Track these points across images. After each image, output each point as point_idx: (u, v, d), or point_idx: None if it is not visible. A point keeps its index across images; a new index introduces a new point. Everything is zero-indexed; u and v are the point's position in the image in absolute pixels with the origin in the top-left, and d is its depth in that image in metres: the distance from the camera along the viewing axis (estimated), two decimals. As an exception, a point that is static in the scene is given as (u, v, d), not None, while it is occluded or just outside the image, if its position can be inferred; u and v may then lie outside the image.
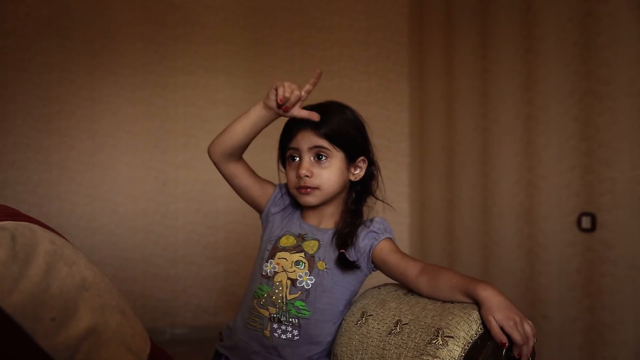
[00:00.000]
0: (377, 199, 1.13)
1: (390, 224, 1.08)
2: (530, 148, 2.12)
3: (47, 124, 2.91)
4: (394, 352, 0.90)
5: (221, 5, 3.08)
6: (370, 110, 3.20)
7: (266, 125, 1.06)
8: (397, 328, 0.93)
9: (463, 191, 2.64)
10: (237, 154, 1.08)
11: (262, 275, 1.06)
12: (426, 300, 0.95)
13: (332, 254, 1.04)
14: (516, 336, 0.79)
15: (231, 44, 3.08)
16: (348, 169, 1.07)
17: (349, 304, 1.09)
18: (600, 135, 1.76)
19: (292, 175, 1.06)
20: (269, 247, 1.09)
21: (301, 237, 1.08)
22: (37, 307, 0.58)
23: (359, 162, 1.08)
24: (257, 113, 1.03)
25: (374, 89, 3.24)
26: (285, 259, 1.05)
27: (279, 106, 0.99)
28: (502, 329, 0.80)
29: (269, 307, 1.03)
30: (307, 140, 1.02)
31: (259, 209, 1.16)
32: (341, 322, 1.07)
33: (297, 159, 1.05)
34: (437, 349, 0.83)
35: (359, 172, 1.09)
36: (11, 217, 0.66)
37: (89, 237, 2.93)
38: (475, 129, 2.52)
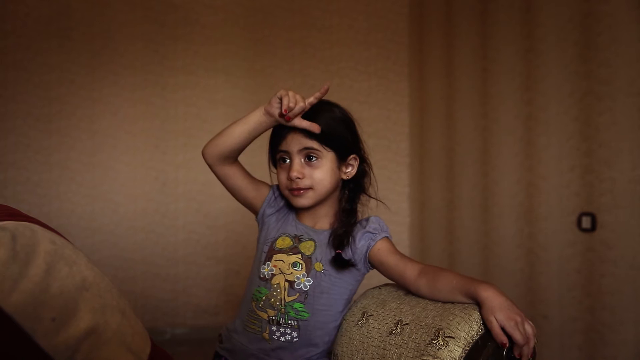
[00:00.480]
0: (370, 196, 1.13)
1: (389, 224, 1.08)
2: (531, 148, 2.12)
3: (47, 124, 2.91)
4: (394, 352, 0.90)
5: (221, 5, 3.08)
6: (370, 110, 3.20)
7: (264, 131, 1.06)
8: (398, 328, 0.93)
9: (463, 191, 2.64)
10: (233, 157, 1.08)
11: (260, 277, 1.06)
12: (427, 300, 0.95)
13: (328, 255, 1.04)
14: (517, 336, 0.79)
15: (231, 44, 3.08)
16: (339, 168, 1.06)
17: (348, 304, 1.09)
18: (600, 135, 1.76)
19: (283, 177, 1.05)
20: (266, 249, 1.09)
21: (297, 239, 1.07)
22: (37, 307, 0.58)
23: (350, 160, 1.08)
24: (256, 118, 1.03)
25: (374, 89, 3.24)
26: (282, 260, 1.05)
27: (282, 115, 0.99)
28: (503, 329, 0.80)
29: (267, 309, 1.03)
30: (296, 142, 1.02)
31: (254, 210, 1.16)
32: (341, 322, 1.07)
33: (288, 161, 1.05)
34: (438, 350, 0.83)
35: (350, 170, 1.09)
36: (11, 217, 0.66)
37: (89, 237, 2.93)
38: (475, 129, 2.52)
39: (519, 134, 2.19)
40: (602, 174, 1.75)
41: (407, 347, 0.88)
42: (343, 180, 1.10)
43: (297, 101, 0.98)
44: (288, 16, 3.15)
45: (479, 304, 0.85)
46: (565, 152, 1.92)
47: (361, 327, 1.01)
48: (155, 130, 3.01)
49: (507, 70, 2.27)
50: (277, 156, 1.07)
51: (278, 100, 0.99)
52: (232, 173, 1.10)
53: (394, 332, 0.93)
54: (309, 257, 1.04)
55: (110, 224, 2.97)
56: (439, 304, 0.92)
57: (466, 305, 0.87)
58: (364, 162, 1.11)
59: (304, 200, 1.04)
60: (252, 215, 1.18)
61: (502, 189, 2.31)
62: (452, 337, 0.83)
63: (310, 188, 1.03)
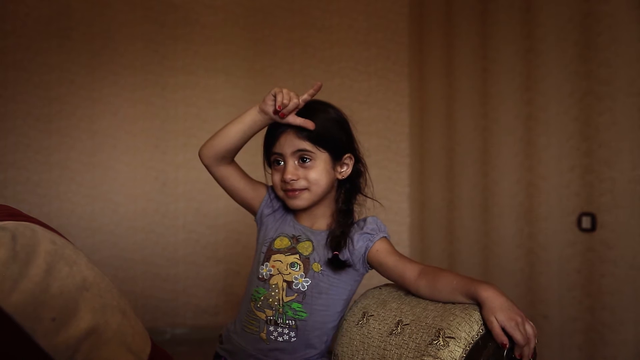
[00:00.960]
0: (367, 196, 1.13)
1: (389, 224, 1.09)
2: (531, 148, 2.12)
3: (47, 124, 2.91)
4: (394, 352, 0.90)
5: (221, 5, 3.08)
6: (370, 110, 3.20)
7: (260, 130, 1.06)
8: (398, 328, 0.93)
9: (463, 191, 2.64)
10: (229, 157, 1.08)
11: (259, 278, 1.06)
12: (427, 300, 0.95)
13: (326, 256, 1.04)
14: (518, 337, 0.79)
15: (231, 44, 3.08)
16: (334, 168, 1.06)
17: (347, 304, 1.09)
18: (600, 135, 1.76)
19: (277, 178, 1.06)
20: (264, 249, 1.09)
21: (295, 239, 1.07)
22: (37, 307, 0.57)
23: (345, 159, 1.08)
24: (251, 117, 1.03)
25: (374, 89, 3.24)
26: (280, 261, 1.05)
27: (276, 112, 0.99)
28: (503, 329, 0.80)
29: (265, 309, 1.03)
30: (290, 144, 1.02)
31: (252, 211, 1.16)
32: (341, 323, 1.07)
33: (282, 163, 1.05)
34: (438, 350, 0.83)
35: (345, 170, 1.08)
36: (12, 217, 0.66)
37: (89, 237, 2.93)
38: (475, 129, 2.52)
39: (519, 134, 2.19)
40: (602, 174, 1.75)
41: (407, 347, 0.88)
42: (339, 181, 1.10)
43: (290, 98, 0.98)
44: (288, 16, 3.15)
45: (479, 305, 0.85)
46: (565, 152, 1.92)
47: (361, 327, 1.01)
48: (155, 130, 3.01)
49: (507, 70, 2.27)
50: (271, 158, 1.07)
51: (272, 98, 1.00)
52: (228, 174, 1.10)
53: (394, 332, 0.93)
54: (307, 258, 1.04)
55: (110, 224, 2.97)
56: (440, 305, 0.92)
57: (467, 305, 0.87)
58: (359, 162, 1.11)
59: (299, 202, 1.04)
60: (252, 215, 1.18)
61: (502, 189, 2.31)
62: (452, 338, 0.83)
63: (306, 189, 1.03)
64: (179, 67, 3.03)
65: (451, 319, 0.85)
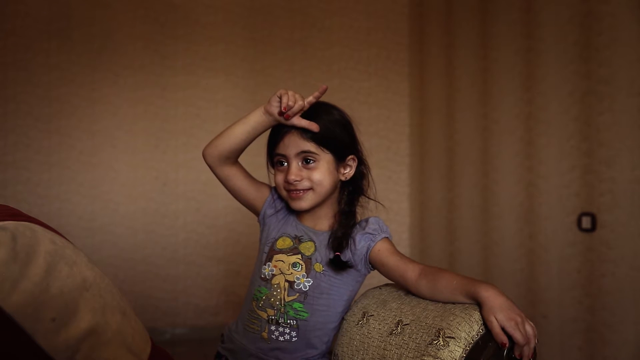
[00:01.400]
0: (369, 198, 1.13)
1: (389, 224, 1.09)
2: (531, 148, 2.12)
3: (47, 124, 2.91)
4: (395, 352, 0.90)
5: (221, 5, 3.08)
6: (370, 110, 3.20)
7: (264, 131, 1.06)
8: (398, 328, 0.93)
9: (463, 191, 2.64)
10: (233, 157, 1.08)
11: (261, 277, 1.07)
12: (427, 300, 0.95)
13: (327, 256, 1.04)
14: (518, 336, 0.79)
15: (231, 44, 3.08)
16: (337, 169, 1.07)
17: (349, 305, 1.09)
18: (600, 135, 1.76)
19: (280, 179, 1.06)
20: (267, 249, 1.10)
21: (297, 239, 1.08)
22: (37, 307, 0.57)
23: (348, 160, 1.08)
24: (256, 118, 1.03)
25: (374, 89, 3.24)
26: (282, 261, 1.05)
27: (281, 114, 1.00)
28: (503, 329, 0.80)
29: (267, 309, 1.04)
30: (293, 145, 1.02)
31: (255, 211, 1.17)
32: (342, 323, 1.07)
33: (285, 164, 1.05)
34: (438, 350, 0.83)
35: (349, 171, 1.09)
36: (12, 217, 0.66)
37: (89, 237, 2.93)
38: (475, 129, 2.52)
39: (519, 134, 2.19)
40: (602, 174, 1.75)
41: (407, 347, 0.88)
42: (342, 182, 1.10)
43: (296, 100, 0.99)
44: (288, 16, 3.14)
45: (479, 304, 0.85)
46: (565, 152, 1.92)
47: (362, 327, 1.01)
48: (155, 130, 3.01)
49: (507, 70, 2.27)
50: (274, 159, 1.08)
51: (277, 99, 1.00)
52: (232, 174, 1.10)
53: (394, 332, 0.93)
54: (309, 258, 1.05)
55: (110, 224, 2.97)
56: (440, 305, 0.92)
57: (467, 305, 0.87)
58: (362, 163, 1.11)
59: (302, 203, 1.04)
60: (253, 215, 1.19)
61: (502, 189, 2.31)
62: (452, 338, 0.83)
63: (310, 189, 1.04)
64: (179, 67, 3.03)
65: (451, 319, 0.85)
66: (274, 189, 1.14)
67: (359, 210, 1.12)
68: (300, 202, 1.04)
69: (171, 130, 3.02)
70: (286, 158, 1.04)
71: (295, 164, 1.03)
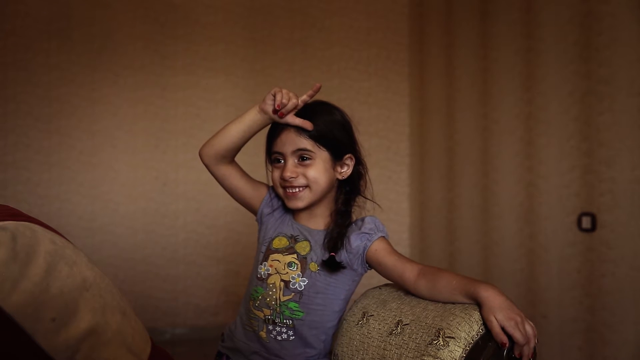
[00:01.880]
0: (366, 198, 1.13)
1: (389, 224, 1.09)
2: (531, 148, 2.12)
3: (47, 124, 2.91)
4: (394, 352, 0.90)
5: (221, 5, 3.08)
6: (370, 110, 3.20)
7: (260, 129, 1.07)
8: (398, 328, 0.93)
9: (463, 191, 2.64)
10: (230, 156, 1.09)
11: (258, 277, 1.07)
12: (427, 300, 0.95)
13: (322, 256, 1.04)
14: (517, 336, 0.79)
15: (231, 44, 3.08)
16: (334, 168, 1.07)
17: (346, 304, 1.09)
18: (600, 135, 1.76)
19: (277, 176, 1.06)
20: (263, 249, 1.10)
21: (293, 239, 1.08)
22: (37, 308, 0.57)
23: (345, 159, 1.08)
24: (251, 117, 1.04)
25: (374, 89, 3.24)
26: (278, 260, 1.06)
27: (275, 111, 1.00)
28: (503, 329, 0.80)
29: (263, 308, 1.04)
30: (290, 143, 1.03)
31: (253, 211, 1.17)
32: (341, 323, 1.07)
33: (282, 161, 1.06)
34: (438, 350, 0.83)
35: (346, 170, 1.09)
36: (12, 217, 0.66)
37: (89, 237, 2.93)
38: (475, 129, 2.52)
39: (519, 134, 2.19)
40: (602, 174, 1.75)
41: (407, 347, 0.88)
42: (339, 181, 1.10)
43: (290, 98, 1.00)
44: (288, 16, 3.14)
45: (479, 304, 0.85)
46: (565, 152, 1.92)
47: (361, 327, 1.01)
48: (155, 130, 3.01)
49: (507, 70, 2.27)
50: (271, 157, 1.08)
51: (272, 97, 1.01)
52: (229, 173, 1.10)
53: (394, 332, 0.93)
54: (304, 257, 1.05)
55: (110, 224, 2.97)
56: (440, 305, 0.92)
57: (466, 305, 0.87)
58: (360, 163, 1.12)
59: (298, 202, 1.05)
60: (253, 215, 1.19)
61: (502, 189, 2.31)
62: (452, 338, 0.83)
63: (306, 186, 1.04)
64: (179, 67, 3.03)
65: (451, 319, 0.85)
66: (272, 188, 1.14)
67: (356, 210, 1.12)
68: (297, 202, 1.05)
69: (171, 130, 3.02)
70: (282, 155, 1.05)
71: (292, 161, 1.04)
